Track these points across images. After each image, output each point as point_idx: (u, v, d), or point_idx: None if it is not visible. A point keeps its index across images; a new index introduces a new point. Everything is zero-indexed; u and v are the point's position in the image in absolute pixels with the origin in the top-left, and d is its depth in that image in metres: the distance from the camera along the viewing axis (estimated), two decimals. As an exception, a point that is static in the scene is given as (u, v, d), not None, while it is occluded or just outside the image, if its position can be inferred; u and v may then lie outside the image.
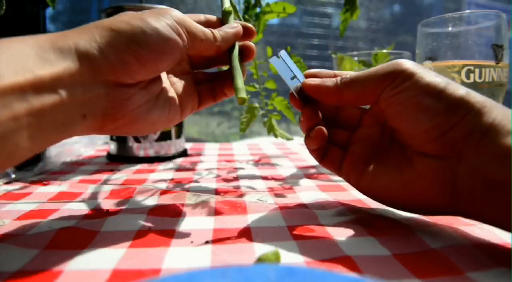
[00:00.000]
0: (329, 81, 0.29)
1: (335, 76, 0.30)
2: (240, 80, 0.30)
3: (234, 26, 0.33)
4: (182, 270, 0.21)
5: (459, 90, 0.24)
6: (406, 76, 0.25)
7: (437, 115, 0.24)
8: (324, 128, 0.30)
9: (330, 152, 0.31)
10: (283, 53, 0.32)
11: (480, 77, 0.46)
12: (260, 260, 0.19)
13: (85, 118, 0.24)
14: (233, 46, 0.33)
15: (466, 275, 0.20)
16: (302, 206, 0.33)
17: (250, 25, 0.34)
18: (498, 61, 0.47)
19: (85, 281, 0.20)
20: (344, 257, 0.22)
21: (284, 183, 0.42)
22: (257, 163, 0.57)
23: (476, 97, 0.24)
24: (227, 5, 0.36)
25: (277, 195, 0.37)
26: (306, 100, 0.31)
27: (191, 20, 0.29)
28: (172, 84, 0.32)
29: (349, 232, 0.26)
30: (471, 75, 0.46)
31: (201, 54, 0.31)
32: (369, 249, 0.23)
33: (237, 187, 0.40)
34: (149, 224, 0.28)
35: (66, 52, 0.22)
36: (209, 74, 0.36)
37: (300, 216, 0.30)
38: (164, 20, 0.26)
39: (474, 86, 0.47)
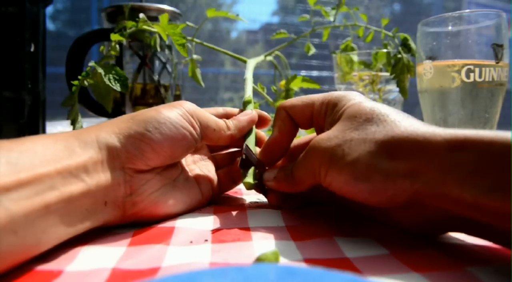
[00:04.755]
0: (282, 180, 0.29)
1: (280, 135, 0.31)
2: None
3: (248, 113, 0.34)
4: (181, 269, 0.21)
5: (374, 159, 0.22)
6: (325, 169, 0.24)
7: (370, 197, 0.23)
8: (292, 201, 0.31)
9: (320, 191, 0.31)
10: (245, 147, 0.31)
11: (480, 76, 0.46)
12: (259, 260, 0.19)
13: (106, 205, 0.25)
14: (249, 132, 0.33)
15: (466, 270, 0.20)
16: (302, 205, 0.33)
17: (265, 113, 0.35)
18: (498, 61, 0.47)
19: (85, 280, 0.20)
20: (343, 256, 0.22)
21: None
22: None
23: (398, 152, 0.22)
24: (247, 95, 0.37)
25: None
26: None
27: (204, 111, 0.30)
28: (192, 170, 0.33)
29: (349, 231, 0.26)
30: (471, 74, 0.46)
31: (217, 143, 0.32)
32: (368, 248, 0.23)
33: (237, 187, 0.40)
34: (148, 224, 0.28)
35: (89, 143, 0.24)
36: (228, 156, 0.37)
37: (299, 215, 0.30)
38: (176, 111, 0.28)
39: (474, 85, 0.47)
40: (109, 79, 0.43)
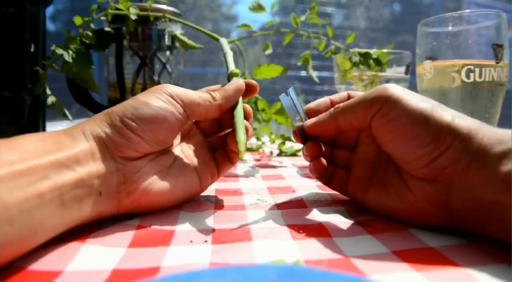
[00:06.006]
0: (325, 115, 0.31)
1: (332, 104, 0.33)
2: (242, 134, 0.30)
3: (234, 82, 0.34)
4: (181, 269, 0.21)
5: (445, 115, 0.25)
6: (392, 103, 0.26)
7: (427, 144, 0.24)
8: (322, 161, 0.32)
9: (336, 176, 0.33)
10: (291, 90, 0.33)
11: (480, 76, 0.46)
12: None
13: (101, 196, 0.25)
14: (236, 104, 0.33)
15: (465, 269, 0.20)
16: (302, 205, 0.33)
17: (252, 81, 0.35)
18: (498, 61, 0.47)
19: (84, 280, 0.20)
20: (343, 256, 0.22)
21: (284, 183, 0.42)
22: (256, 163, 0.56)
23: (462, 121, 0.24)
24: (232, 67, 0.37)
25: (277, 195, 0.37)
26: (308, 136, 0.32)
27: (185, 89, 0.31)
28: (187, 156, 0.33)
29: (349, 231, 0.26)
30: (471, 74, 0.46)
31: (206, 117, 0.32)
32: (368, 247, 0.23)
33: (237, 187, 0.40)
34: (148, 224, 0.28)
35: (77, 137, 0.25)
36: (223, 138, 0.37)
37: (300, 215, 0.30)
38: (153, 95, 0.29)
39: (474, 85, 0.47)
40: (72, 58, 0.43)
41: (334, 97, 0.34)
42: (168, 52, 0.60)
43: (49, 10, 0.53)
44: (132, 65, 0.59)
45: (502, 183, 0.21)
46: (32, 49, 0.47)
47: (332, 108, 0.30)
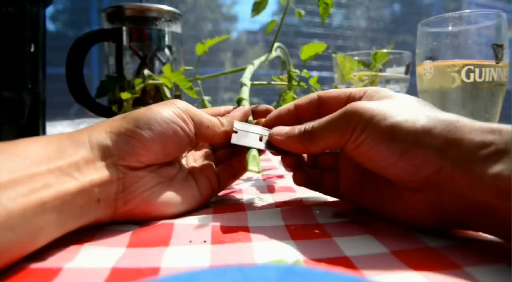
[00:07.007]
0: (294, 136, 0.29)
1: (297, 110, 0.32)
2: (253, 152, 0.31)
3: (240, 108, 0.34)
4: (181, 269, 0.21)
5: (415, 125, 0.23)
6: (362, 127, 0.25)
7: (398, 161, 0.24)
8: (301, 172, 0.31)
9: (324, 180, 0.32)
10: (236, 125, 0.32)
11: (480, 76, 0.46)
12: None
13: (99, 203, 0.25)
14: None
15: (464, 270, 0.20)
16: (301, 205, 0.33)
17: (268, 106, 0.36)
18: (498, 61, 0.47)
19: (84, 279, 0.20)
20: (343, 256, 0.22)
21: (284, 183, 0.42)
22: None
23: (437, 126, 0.23)
24: (242, 95, 0.38)
25: (277, 195, 0.37)
26: (280, 149, 0.31)
27: (197, 109, 0.31)
28: (191, 170, 0.33)
29: (348, 231, 0.26)
30: (471, 74, 0.46)
31: (212, 141, 0.32)
32: (368, 247, 0.23)
33: (237, 187, 0.40)
34: (146, 224, 0.28)
35: (81, 144, 0.25)
36: (229, 152, 0.37)
37: (299, 215, 0.30)
38: (168, 108, 0.29)
39: (474, 85, 0.47)
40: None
41: (301, 102, 0.32)
42: (168, 52, 0.60)
43: (49, 10, 0.53)
44: (132, 65, 0.59)
45: (490, 186, 0.20)
46: (32, 49, 0.47)
47: (303, 127, 0.29)
